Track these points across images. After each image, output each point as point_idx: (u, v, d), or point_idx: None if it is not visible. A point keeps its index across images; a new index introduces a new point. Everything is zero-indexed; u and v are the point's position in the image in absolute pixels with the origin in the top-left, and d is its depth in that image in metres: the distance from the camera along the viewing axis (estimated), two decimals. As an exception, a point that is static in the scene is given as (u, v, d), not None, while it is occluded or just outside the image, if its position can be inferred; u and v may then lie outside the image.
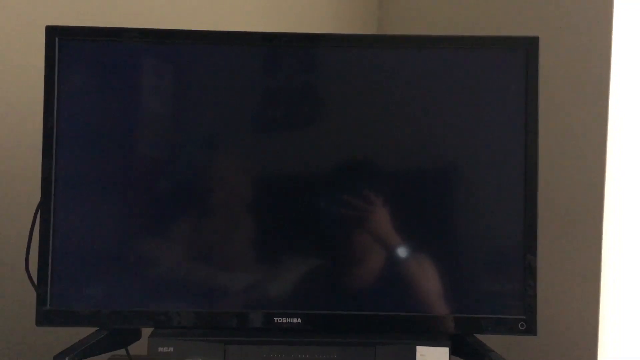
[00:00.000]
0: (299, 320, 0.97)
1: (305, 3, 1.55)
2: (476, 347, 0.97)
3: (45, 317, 0.97)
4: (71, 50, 0.97)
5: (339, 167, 1.00)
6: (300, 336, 0.96)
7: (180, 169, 1.00)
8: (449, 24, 1.41)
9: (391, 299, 0.99)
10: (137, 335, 1.02)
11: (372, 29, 1.61)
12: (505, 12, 1.27)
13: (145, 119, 1.00)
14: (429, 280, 0.98)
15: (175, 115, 1.00)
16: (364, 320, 0.98)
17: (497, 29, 1.27)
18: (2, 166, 1.28)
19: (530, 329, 0.97)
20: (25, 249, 1.01)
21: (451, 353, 0.95)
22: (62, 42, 0.97)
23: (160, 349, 0.94)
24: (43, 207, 0.97)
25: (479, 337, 0.99)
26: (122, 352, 1.02)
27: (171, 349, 0.94)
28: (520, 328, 0.97)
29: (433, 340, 0.96)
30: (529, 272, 0.97)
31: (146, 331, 0.98)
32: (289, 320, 0.97)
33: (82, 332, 0.99)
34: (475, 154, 1.00)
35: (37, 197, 0.98)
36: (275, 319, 0.97)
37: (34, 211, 0.99)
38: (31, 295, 0.98)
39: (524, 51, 0.98)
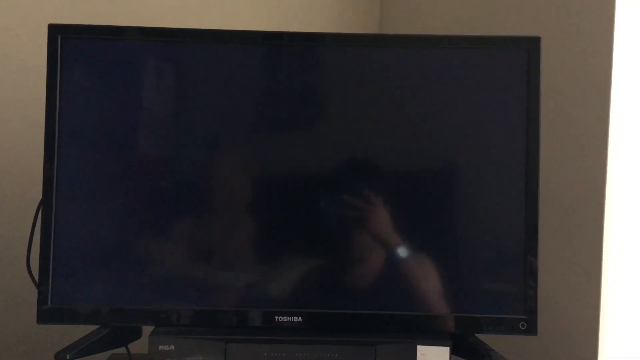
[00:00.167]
0: (300, 319, 0.97)
1: (307, 3, 1.56)
2: (477, 346, 0.97)
3: (46, 315, 0.97)
4: (73, 49, 0.97)
5: (340, 167, 1.00)
6: (300, 335, 0.96)
7: (180, 168, 1.00)
8: (450, 23, 1.41)
9: (392, 298, 0.98)
10: (137, 334, 1.02)
11: (373, 29, 1.61)
12: (507, 12, 1.27)
13: (146, 118, 1.00)
14: (429, 280, 0.98)
15: (177, 114, 1.00)
16: (364, 320, 0.98)
17: (499, 29, 1.27)
18: (3, 165, 1.28)
19: (531, 329, 0.97)
20: (26, 247, 1.02)
21: (452, 352, 0.95)
22: (64, 40, 0.97)
23: (160, 347, 0.94)
24: (44, 205, 0.97)
25: (480, 336, 0.99)
26: (122, 350, 1.03)
27: (172, 347, 0.94)
28: (521, 328, 0.97)
29: (434, 339, 0.96)
30: (530, 272, 0.97)
31: (147, 329, 0.98)
32: (289, 319, 0.97)
33: (83, 330, 0.99)
34: (476, 154, 1.00)
35: (38, 196, 0.98)
36: (276, 317, 0.97)
37: (35, 210, 0.99)
38: (32, 293, 0.98)
39: (525, 51, 0.98)
